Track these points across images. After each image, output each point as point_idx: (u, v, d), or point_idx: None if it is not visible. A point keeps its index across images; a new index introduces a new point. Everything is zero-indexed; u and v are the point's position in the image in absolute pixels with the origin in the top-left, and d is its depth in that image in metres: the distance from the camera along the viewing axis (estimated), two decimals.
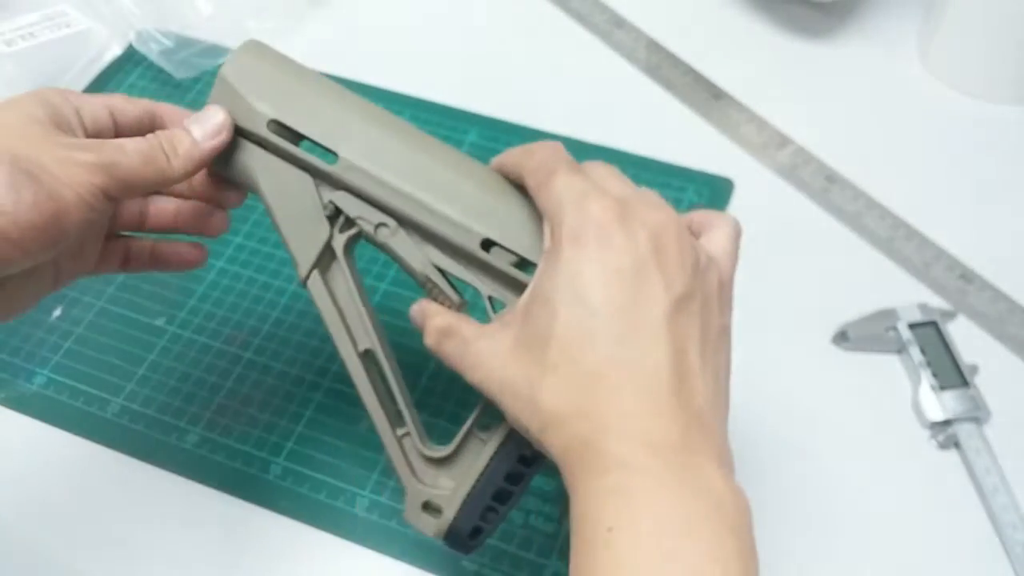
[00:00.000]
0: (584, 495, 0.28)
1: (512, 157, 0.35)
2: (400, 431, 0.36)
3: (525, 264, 0.34)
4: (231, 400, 0.48)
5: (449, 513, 0.35)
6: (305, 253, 0.36)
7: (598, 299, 0.29)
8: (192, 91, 0.63)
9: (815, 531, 0.43)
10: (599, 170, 0.33)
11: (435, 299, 0.35)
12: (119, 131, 0.36)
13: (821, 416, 0.47)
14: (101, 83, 0.64)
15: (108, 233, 0.39)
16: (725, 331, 0.32)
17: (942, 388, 0.46)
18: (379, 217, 0.35)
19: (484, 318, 0.34)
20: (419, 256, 0.35)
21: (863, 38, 0.65)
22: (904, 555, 0.42)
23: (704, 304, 0.31)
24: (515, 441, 0.34)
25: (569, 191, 0.31)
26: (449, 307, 0.35)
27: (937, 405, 0.45)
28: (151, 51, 0.64)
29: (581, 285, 0.29)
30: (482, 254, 0.34)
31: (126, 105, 0.36)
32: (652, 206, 0.31)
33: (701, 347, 0.30)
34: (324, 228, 0.36)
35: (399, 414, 0.36)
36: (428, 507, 0.35)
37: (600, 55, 0.65)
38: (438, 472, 0.36)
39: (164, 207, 0.39)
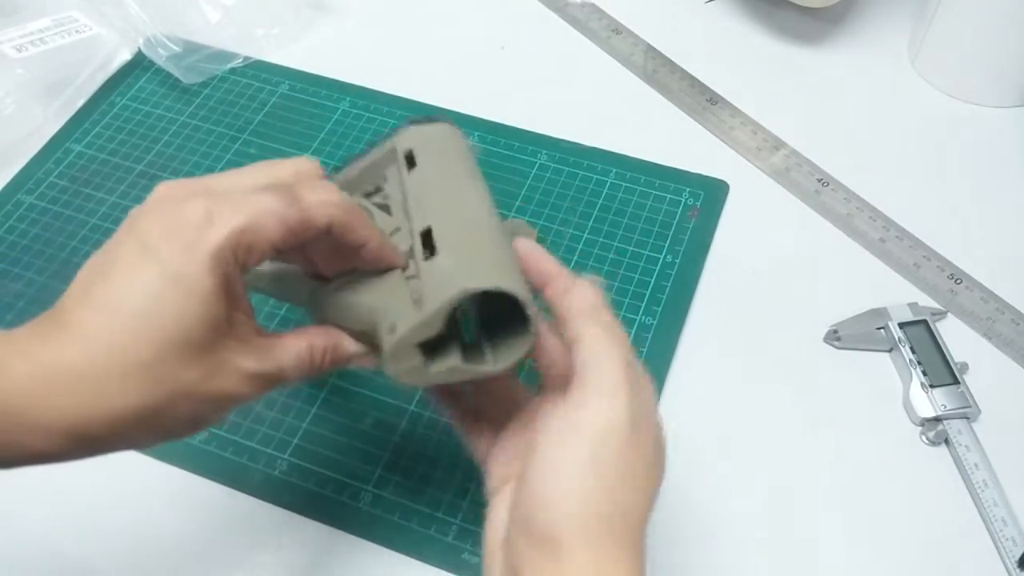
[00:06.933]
0: None
1: (549, 273, 0.34)
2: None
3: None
4: None
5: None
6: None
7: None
8: (200, 96, 0.64)
9: (805, 526, 0.44)
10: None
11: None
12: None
13: (813, 413, 0.47)
14: (110, 88, 0.65)
15: None
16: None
17: (932, 386, 0.47)
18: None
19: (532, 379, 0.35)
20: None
21: (855, 43, 0.66)
22: (894, 550, 0.43)
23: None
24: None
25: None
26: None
27: (927, 402, 0.46)
28: (159, 57, 0.65)
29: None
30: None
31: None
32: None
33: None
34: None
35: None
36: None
37: (598, 60, 0.66)
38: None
39: None
